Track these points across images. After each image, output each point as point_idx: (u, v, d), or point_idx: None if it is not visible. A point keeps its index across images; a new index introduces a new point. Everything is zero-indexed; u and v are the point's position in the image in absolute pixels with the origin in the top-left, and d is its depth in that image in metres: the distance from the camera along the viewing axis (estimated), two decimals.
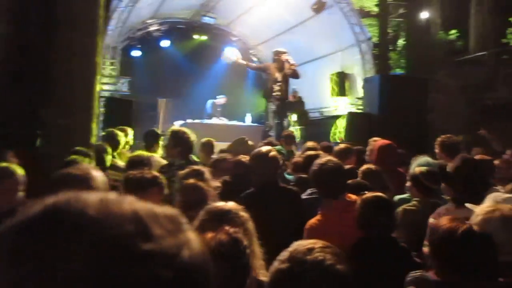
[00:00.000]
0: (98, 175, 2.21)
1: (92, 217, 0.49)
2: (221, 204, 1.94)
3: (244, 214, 1.92)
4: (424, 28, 15.72)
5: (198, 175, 2.84)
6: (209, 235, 1.66)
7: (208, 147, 5.55)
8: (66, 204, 0.51)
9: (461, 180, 2.75)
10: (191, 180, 2.68)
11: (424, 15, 16.37)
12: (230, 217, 1.85)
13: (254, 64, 10.05)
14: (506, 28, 16.48)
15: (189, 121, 12.67)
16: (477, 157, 3.98)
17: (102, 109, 9.51)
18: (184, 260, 0.50)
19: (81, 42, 4.95)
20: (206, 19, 14.41)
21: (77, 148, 4.18)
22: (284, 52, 9.39)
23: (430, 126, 9.60)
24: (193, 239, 0.54)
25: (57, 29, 4.92)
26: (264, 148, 3.47)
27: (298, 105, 12.66)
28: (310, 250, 1.28)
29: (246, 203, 3.15)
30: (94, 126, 5.52)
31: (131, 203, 0.55)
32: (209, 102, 13.39)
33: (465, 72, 11.72)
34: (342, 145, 4.88)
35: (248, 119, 12.92)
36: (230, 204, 1.93)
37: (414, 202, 3.13)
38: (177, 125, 13.06)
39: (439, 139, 4.35)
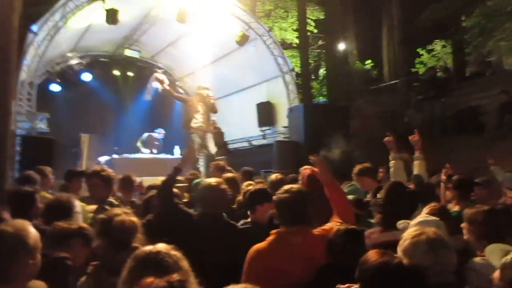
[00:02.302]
0: (32, 231, 2.01)
1: None
2: (149, 247, 1.82)
3: (176, 253, 1.81)
4: (342, 59, 16.70)
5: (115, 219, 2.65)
6: (146, 282, 1.56)
7: (127, 183, 5.08)
8: None
9: (387, 205, 2.87)
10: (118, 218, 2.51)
11: (341, 46, 17.44)
12: (161, 259, 1.74)
13: (177, 94, 10.11)
14: (415, 58, 18.02)
15: (115, 156, 12.23)
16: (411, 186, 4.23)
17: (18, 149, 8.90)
18: None
19: None
20: (130, 52, 14.15)
21: None
22: (207, 88, 9.63)
23: (353, 151, 10.05)
24: None
25: None
26: (213, 180, 3.44)
27: (218, 136, 12.76)
28: None
29: (187, 232, 3.13)
30: (7, 168, 5.07)
31: None
32: (145, 135, 13.09)
33: (381, 99, 12.51)
34: (276, 175, 4.89)
35: (177, 151, 12.74)
36: (160, 246, 1.82)
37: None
38: (102, 161, 12.58)
39: (357, 168, 4.60)
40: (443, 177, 4.52)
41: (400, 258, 1.80)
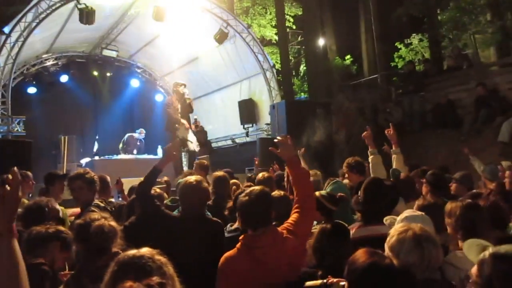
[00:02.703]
0: None
1: None
2: (132, 251, 1.76)
3: (160, 258, 1.76)
4: (321, 55, 16.75)
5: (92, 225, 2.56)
6: (125, 286, 1.51)
7: (102, 184, 4.74)
8: None
9: (366, 202, 2.85)
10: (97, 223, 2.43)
11: (321, 42, 17.49)
12: (145, 264, 1.69)
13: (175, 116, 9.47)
14: (393, 53, 18.21)
15: (96, 158, 12.04)
16: (402, 175, 4.27)
17: None
18: None
19: None
20: (107, 52, 13.94)
21: None
22: (183, 84, 9.51)
23: (335, 146, 10.12)
24: None
25: None
26: (193, 178, 3.31)
27: (200, 134, 12.72)
28: None
29: (169, 231, 3.05)
30: None
31: None
32: (126, 135, 12.90)
33: (361, 94, 12.59)
34: (263, 174, 4.83)
35: (160, 152, 12.59)
36: (144, 250, 1.77)
37: (317, 226, 3.04)
38: (83, 162, 12.37)
39: (346, 162, 4.57)
40: None
41: (390, 258, 1.77)
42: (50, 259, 2.35)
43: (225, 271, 2.48)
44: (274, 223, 2.62)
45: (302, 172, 2.80)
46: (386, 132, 4.52)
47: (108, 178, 4.99)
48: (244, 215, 2.60)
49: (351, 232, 2.74)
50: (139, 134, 12.92)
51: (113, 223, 2.46)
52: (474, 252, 1.93)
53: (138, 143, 12.84)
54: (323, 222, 2.78)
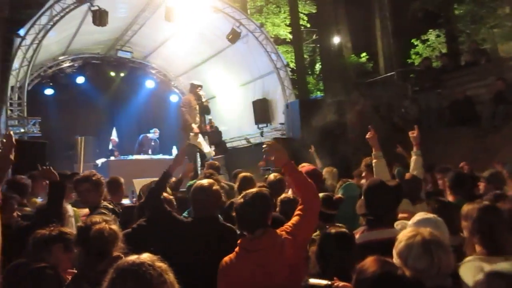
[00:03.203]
0: None
1: None
2: (132, 257, 1.72)
3: (161, 265, 1.72)
4: (336, 52, 16.58)
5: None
6: None
7: (115, 186, 4.81)
8: None
9: (369, 205, 2.74)
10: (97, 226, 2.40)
11: (335, 40, 17.32)
12: (145, 271, 1.65)
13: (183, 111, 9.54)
14: (409, 49, 17.94)
15: (112, 158, 12.15)
16: (407, 175, 4.15)
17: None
18: None
19: None
20: (122, 53, 14.03)
21: None
22: (200, 86, 9.60)
23: (350, 146, 9.98)
24: None
25: None
26: (206, 181, 3.29)
27: (215, 134, 12.72)
28: None
29: (183, 233, 3.02)
30: None
31: None
32: (141, 136, 13.02)
33: (376, 92, 12.41)
34: (274, 175, 4.73)
35: (175, 152, 12.64)
36: (144, 256, 1.72)
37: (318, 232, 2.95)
38: (99, 163, 12.50)
39: (364, 161, 4.47)
40: None
41: (401, 268, 1.66)
42: (54, 262, 2.33)
43: (225, 275, 2.43)
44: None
45: (300, 175, 2.71)
46: (410, 133, 4.39)
47: (121, 180, 4.99)
48: (239, 218, 2.52)
49: (356, 236, 2.65)
50: (153, 134, 12.99)
51: (114, 226, 2.44)
52: (470, 274, 1.83)
53: (153, 143, 12.91)
54: (327, 227, 2.67)
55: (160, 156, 12.31)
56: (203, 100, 9.38)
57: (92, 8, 9.77)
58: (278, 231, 2.49)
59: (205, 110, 9.51)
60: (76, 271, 2.53)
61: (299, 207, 2.60)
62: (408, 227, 2.23)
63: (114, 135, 13.64)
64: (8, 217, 3.44)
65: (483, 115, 9.52)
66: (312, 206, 2.59)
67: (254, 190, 2.60)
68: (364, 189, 2.85)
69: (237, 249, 2.48)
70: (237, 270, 2.41)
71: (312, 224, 2.61)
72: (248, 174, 4.76)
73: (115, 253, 2.31)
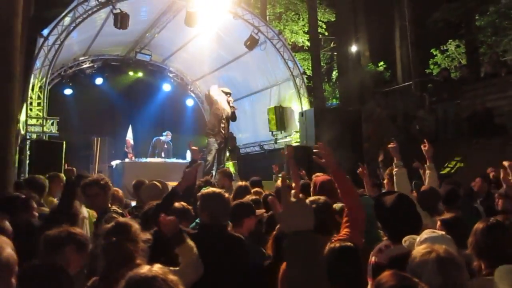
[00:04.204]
0: (6, 251, 1.94)
1: None
2: (144, 269, 1.70)
3: (173, 278, 1.69)
4: (354, 61, 16.51)
5: (124, 231, 2.53)
6: None
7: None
8: None
9: (397, 217, 2.67)
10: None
11: (353, 48, 17.25)
12: (157, 286, 1.62)
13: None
14: (428, 59, 17.77)
15: (126, 160, 12.25)
16: (424, 188, 4.16)
17: (28, 153, 8.95)
18: None
19: None
20: (141, 56, 14.18)
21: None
22: (229, 93, 9.90)
23: (366, 155, 9.89)
24: None
25: None
26: (214, 189, 3.30)
27: (230, 140, 12.76)
28: None
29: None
30: (9, 173, 5.02)
31: None
32: (154, 139, 13.09)
33: (393, 101, 12.31)
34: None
35: (190, 156, 12.64)
36: (156, 269, 1.70)
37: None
38: (114, 164, 12.62)
39: (388, 171, 4.47)
40: None
41: (422, 284, 1.57)
42: (66, 263, 2.34)
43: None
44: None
45: (347, 183, 2.69)
46: (422, 147, 4.39)
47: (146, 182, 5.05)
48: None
49: (385, 251, 2.57)
50: (166, 136, 13.00)
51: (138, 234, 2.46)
52: (507, 282, 1.78)
53: (166, 146, 12.92)
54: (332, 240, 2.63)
55: (174, 160, 12.38)
56: (232, 106, 9.75)
57: (114, 11, 9.92)
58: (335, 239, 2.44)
59: (232, 117, 9.80)
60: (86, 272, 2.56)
61: (346, 218, 2.58)
62: (416, 245, 2.19)
63: (129, 137, 13.71)
64: (29, 216, 3.49)
65: (505, 126, 9.39)
66: (357, 217, 2.58)
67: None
68: (390, 201, 2.72)
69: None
70: None
71: (361, 233, 2.59)
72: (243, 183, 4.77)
73: (138, 260, 2.33)
